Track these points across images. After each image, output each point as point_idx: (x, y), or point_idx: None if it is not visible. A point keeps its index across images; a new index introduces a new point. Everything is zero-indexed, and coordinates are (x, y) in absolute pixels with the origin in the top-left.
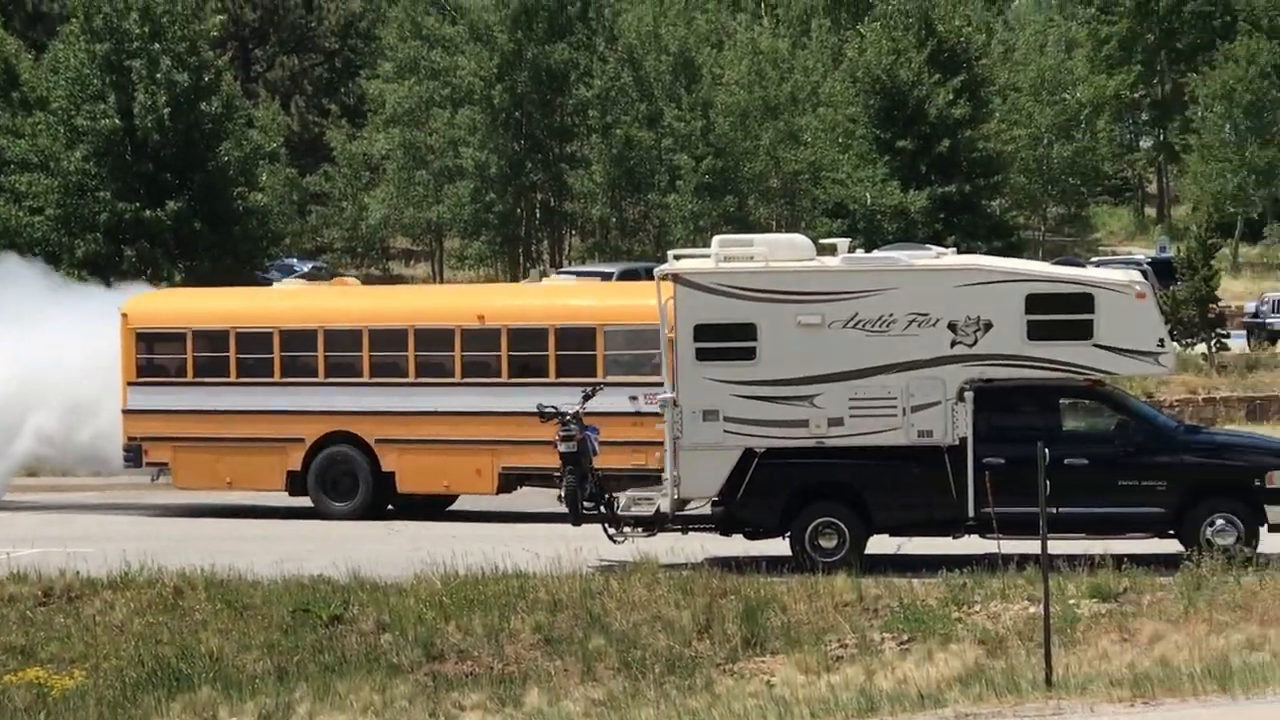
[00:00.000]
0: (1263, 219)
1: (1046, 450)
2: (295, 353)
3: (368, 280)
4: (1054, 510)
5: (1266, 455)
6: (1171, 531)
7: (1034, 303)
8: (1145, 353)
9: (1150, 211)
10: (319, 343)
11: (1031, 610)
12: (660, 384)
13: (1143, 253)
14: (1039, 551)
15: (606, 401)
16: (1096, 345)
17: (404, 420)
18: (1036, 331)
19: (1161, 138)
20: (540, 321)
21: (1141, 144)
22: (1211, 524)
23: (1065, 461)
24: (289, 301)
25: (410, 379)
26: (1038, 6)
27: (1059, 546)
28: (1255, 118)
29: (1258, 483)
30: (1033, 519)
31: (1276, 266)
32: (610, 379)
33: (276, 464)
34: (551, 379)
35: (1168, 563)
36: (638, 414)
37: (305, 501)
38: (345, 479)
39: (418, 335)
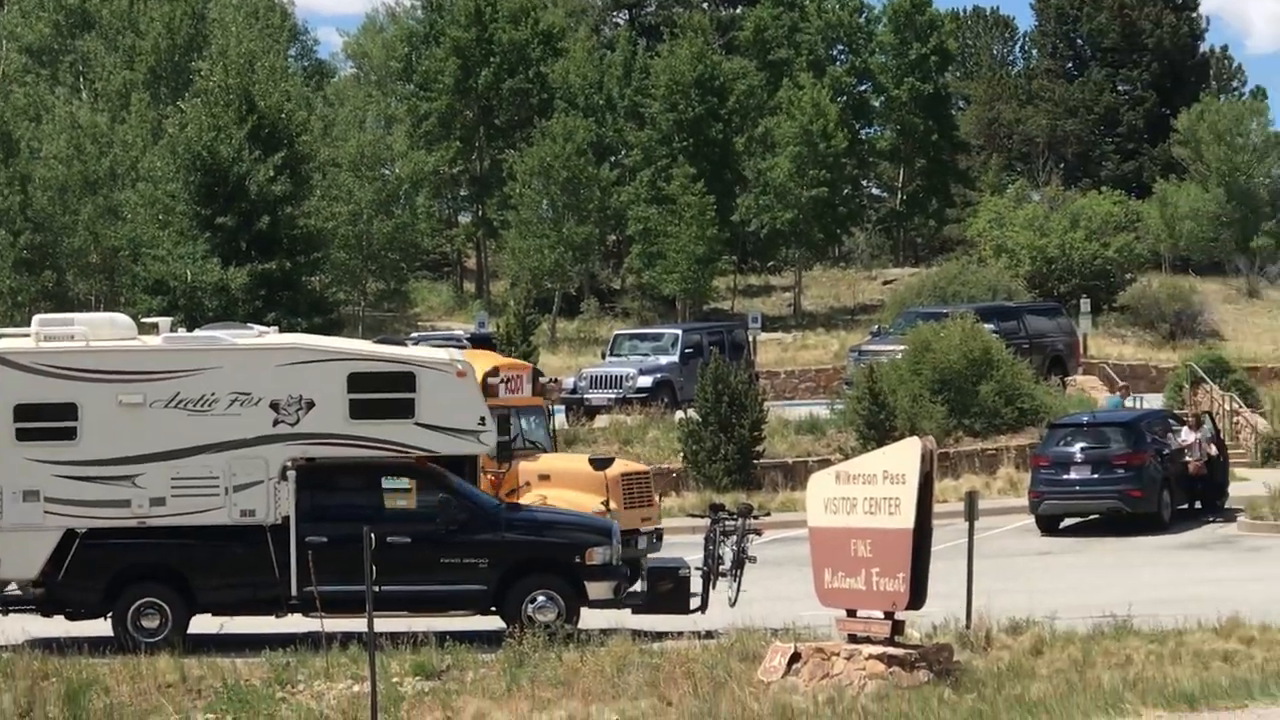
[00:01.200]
0: (580, 294)
1: (369, 527)
2: None
3: None
4: (378, 588)
5: (586, 532)
6: (494, 608)
7: (356, 381)
8: (467, 431)
9: (469, 286)
10: None
11: (356, 689)
12: None
13: (462, 328)
14: (364, 630)
15: None
16: (419, 424)
17: None
18: (359, 410)
19: (480, 213)
20: None
21: (461, 220)
22: (533, 601)
23: (388, 540)
24: None
25: None
26: (357, 83)
27: (383, 624)
28: (572, 194)
29: (578, 559)
30: (356, 597)
31: (594, 341)
32: None
33: None
34: None
35: (491, 639)
36: None
37: None
38: None
39: None
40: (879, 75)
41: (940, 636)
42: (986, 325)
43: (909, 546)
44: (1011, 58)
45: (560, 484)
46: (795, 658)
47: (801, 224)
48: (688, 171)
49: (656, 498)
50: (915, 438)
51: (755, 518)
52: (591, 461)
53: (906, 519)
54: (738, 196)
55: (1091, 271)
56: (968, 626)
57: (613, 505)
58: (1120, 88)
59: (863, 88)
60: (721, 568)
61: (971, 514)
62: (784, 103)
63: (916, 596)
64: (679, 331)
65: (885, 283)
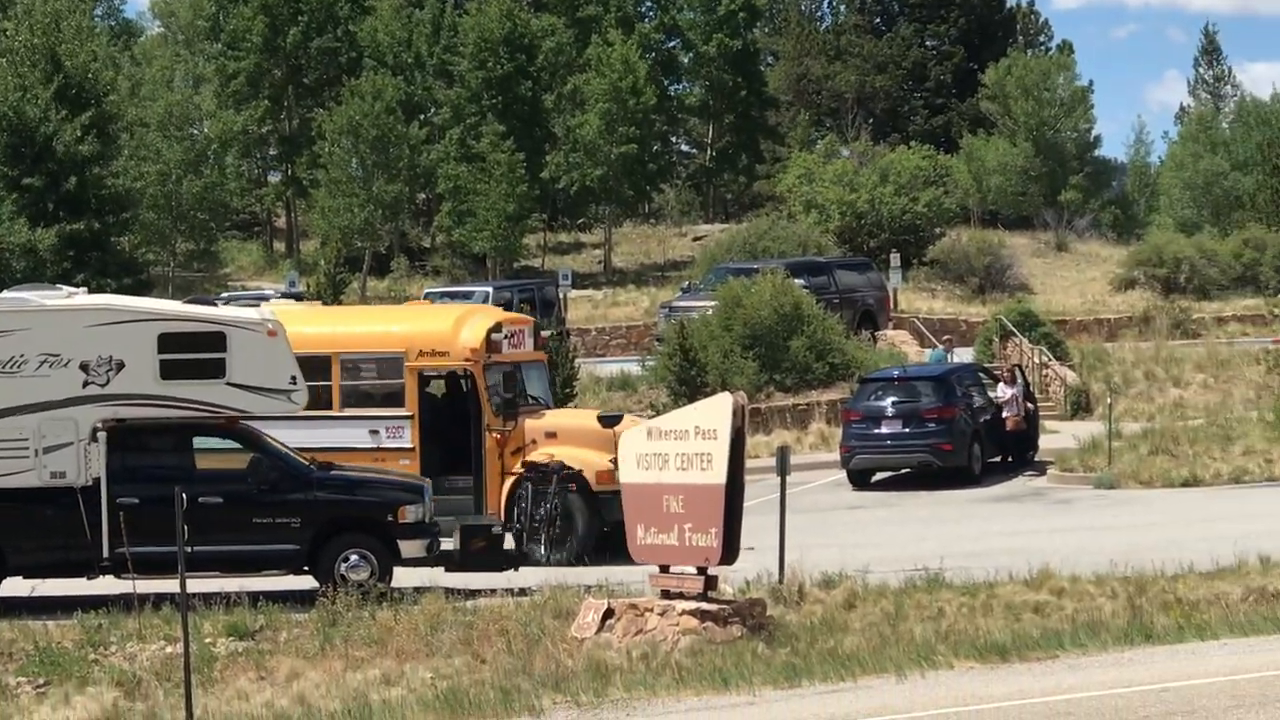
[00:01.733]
0: (390, 253)
1: (181, 488)
2: None
3: None
4: (190, 549)
5: (399, 491)
6: (307, 568)
7: (166, 342)
8: (278, 390)
9: (280, 246)
10: None
11: (169, 650)
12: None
13: (273, 288)
14: (176, 591)
15: (346, 435)
16: (230, 383)
17: None
18: (170, 370)
19: (290, 173)
20: None
21: (270, 179)
22: (346, 560)
23: (200, 500)
24: None
25: None
26: (164, 42)
27: (196, 585)
28: (381, 152)
29: (391, 518)
30: (169, 558)
31: (406, 298)
32: (348, 411)
33: None
34: None
35: (305, 599)
36: (378, 449)
37: None
38: None
39: None
40: (688, 31)
41: (753, 591)
42: (797, 281)
43: (721, 502)
44: (820, 13)
45: (568, 441)
46: (609, 614)
47: (611, 181)
48: (497, 129)
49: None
50: (727, 393)
51: (568, 475)
52: (600, 418)
53: (718, 474)
54: (547, 154)
55: (901, 226)
56: (780, 581)
57: None
58: (928, 43)
59: (671, 44)
60: (535, 525)
61: (783, 469)
62: (593, 60)
63: (729, 552)
64: (489, 289)
65: (695, 239)
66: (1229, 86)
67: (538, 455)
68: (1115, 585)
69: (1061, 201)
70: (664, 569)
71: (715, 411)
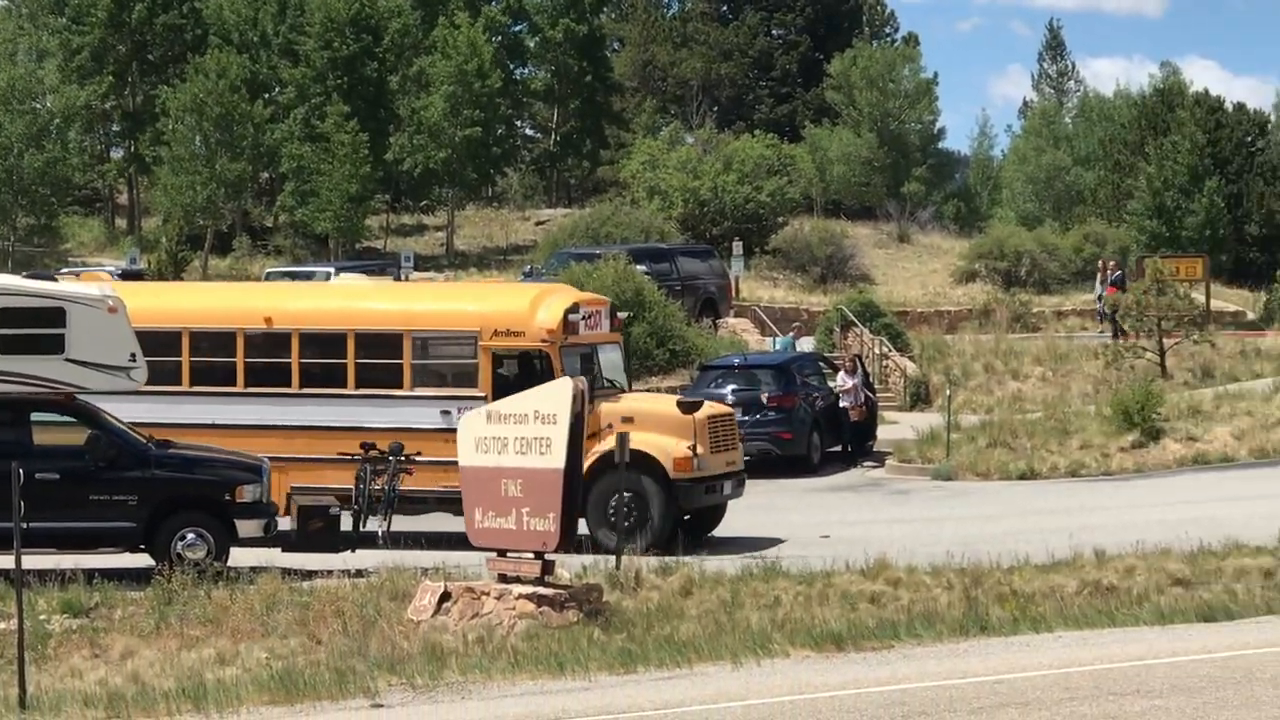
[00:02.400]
0: (232, 231)
1: (18, 463)
2: None
3: None
4: (25, 525)
5: (236, 470)
6: (144, 545)
7: (5, 316)
8: (117, 367)
9: (121, 223)
10: None
11: (2, 626)
12: (479, 397)
13: (114, 264)
14: (11, 567)
15: (417, 415)
16: (68, 359)
17: None
18: (7, 345)
19: (133, 149)
20: (339, 326)
21: (113, 155)
22: (183, 538)
23: (36, 476)
24: None
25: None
26: (8, 15)
27: (32, 561)
28: (226, 130)
29: (228, 497)
30: (4, 534)
31: (246, 279)
32: (419, 391)
33: None
34: (351, 389)
35: (140, 577)
36: (451, 430)
37: None
38: None
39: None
40: (534, 15)
41: (590, 577)
42: (639, 267)
43: (560, 487)
44: (666, 0)
45: (645, 427)
46: (445, 597)
47: (455, 164)
48: (341, 110)
49: (740, 441)
50: (567, 378)
51: (406, 457)
52: (679, 404)
53: (557, 459)
54: (391, 135)
55: (744, 214)
56: (617, 567)
57: (699, 449)
58: (774, 32)
59: (518, 28)
60: (373, 504)
61: (622, 455)
62: (439, 42)
63: (567, 537)
64: (331, 270)
65: (538, 223)
66: (1072, 82)
67: (613, 440)
68: (951, 577)
69: (904, 193)
70: (501, 553)
71: (555, 396)
